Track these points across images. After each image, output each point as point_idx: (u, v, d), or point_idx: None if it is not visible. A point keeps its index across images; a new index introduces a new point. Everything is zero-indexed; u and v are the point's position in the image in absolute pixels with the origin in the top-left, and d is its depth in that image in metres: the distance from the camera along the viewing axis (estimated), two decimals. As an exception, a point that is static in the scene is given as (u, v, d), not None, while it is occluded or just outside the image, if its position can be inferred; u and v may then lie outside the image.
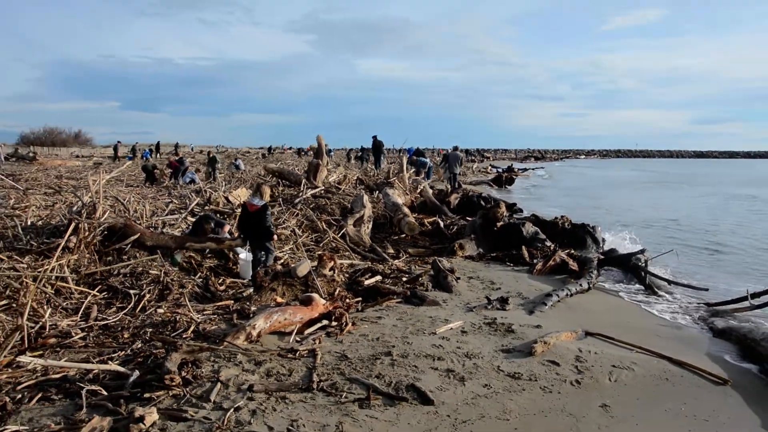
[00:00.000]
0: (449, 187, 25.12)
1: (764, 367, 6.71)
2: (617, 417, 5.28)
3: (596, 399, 5.59)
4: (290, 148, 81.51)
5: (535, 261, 11.47)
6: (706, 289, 10.28)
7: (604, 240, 13.59)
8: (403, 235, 13.77)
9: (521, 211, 20.05)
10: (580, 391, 5.72)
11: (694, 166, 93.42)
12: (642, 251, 11.55)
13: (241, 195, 15.28)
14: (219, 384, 5.27)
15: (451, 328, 7.16)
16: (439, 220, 15.22)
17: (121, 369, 5.52)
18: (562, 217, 14.63)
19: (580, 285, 9.86)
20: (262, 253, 9.30)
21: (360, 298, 8.49)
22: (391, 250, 12.20)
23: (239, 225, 9.61)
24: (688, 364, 6.47)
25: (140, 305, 7.55)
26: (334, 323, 7.10)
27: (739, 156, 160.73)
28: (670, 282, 10.69)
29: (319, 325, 7.03)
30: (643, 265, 10.94)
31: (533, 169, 64.17)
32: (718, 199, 32.01)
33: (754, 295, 9.08)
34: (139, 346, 6.25)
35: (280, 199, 14.90)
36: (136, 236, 8.98)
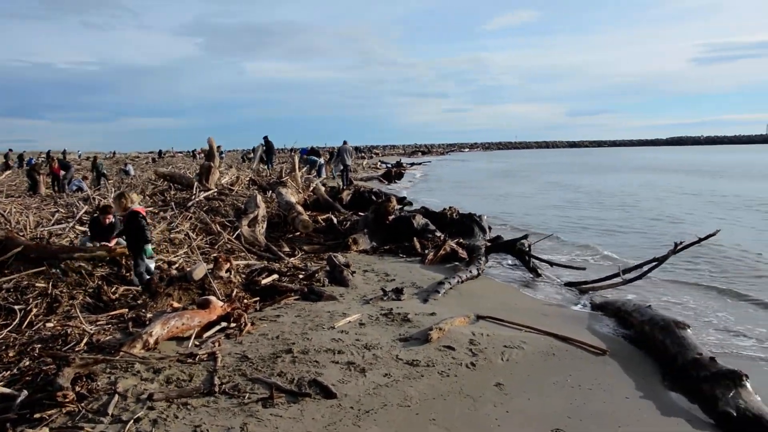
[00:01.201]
0: (341, 182, 25.35)
1: (636, 335, 7.29)
2: (511, 394, 5.59)
3: (491, 379, 5.90)
4: (180, 152, 79.00)
5: (426, 251, 11.82)
6: (584, 269, 11.01)
7: (490, 228, 14.20)
8: (298, 233, 13.79)
9: (411, 204, 20.57)
10: (475, 373, 6.01)
11: (560, 155, 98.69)
12: (525, 236, 12.16)
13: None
14: (116, 396, 5.14)
15: (350, 322, 7.30)
16: (333, 217, 15.36)
17: (6, 390, 5.24)
18: (450, 208, 15.15)
19: (470, 272, 10.28)
20: (140, 261, 8.88)
21: (258, 298, 8.47)
22: (286, 249, 12.20)
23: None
24: (572, 339, 6.94)
25: (26, 320, 7.19)
26: (233, 324, 7.06)
27: (606, 145, 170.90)
28: (551, 264, 11.34)
29: (218, 327, 6.98)
30: (527, 249, 11.52)
31: (420, 163, 65.50)
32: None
33: (625, 271, 9.83)
34: (27, 364, 5.95)
35: (173, 204, 14.52)
36: (18, 249, 8.53)
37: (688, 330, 6.66)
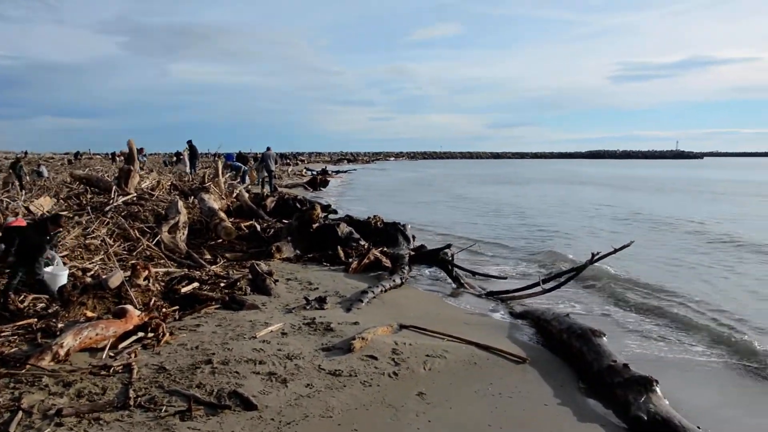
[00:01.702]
0: (266, 189, 25.09)
1: (554, 343, 7.48)
2: (433, 403, 5.62)
3: (413, 388, 5.91)
4: (99, 154, 76.12)
5: (350, 260, 11.80)
6: (505, 278, 11.25)
7: (414, 237, 14.31)
8: (221, 240, 13.51)
9: (336, 212, 20.50)
10: (398, 382, 6.02)
11: (477, 166, 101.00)
12: (448, 246, 12.32)
13: (44, 204, 14.10)
14: (20, 413, 4.86)
15: (272, 331, 7.19)
16: (256, 224, 15.12)
17: None
18: (374, 216, 15.19)
19: (394, 281, 10.31)
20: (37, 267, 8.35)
21: (177, 307, 8.23)
22: (208, 256, 11.93)
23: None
24: (493, 348, 7.05)
25: None
26: (150, 335, 6.83)
27: (528, 156, 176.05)
28: (474, 273, 11.52)
29: (134, 337, 6.73)
30: (450, 259, 11.67)
31: (346, 171, 65.57)
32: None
33: (545, 281, 10.10)
34: None
35: (89, 208, 13.95)
36: None
37: (604, 338, 6.88)
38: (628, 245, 9.99)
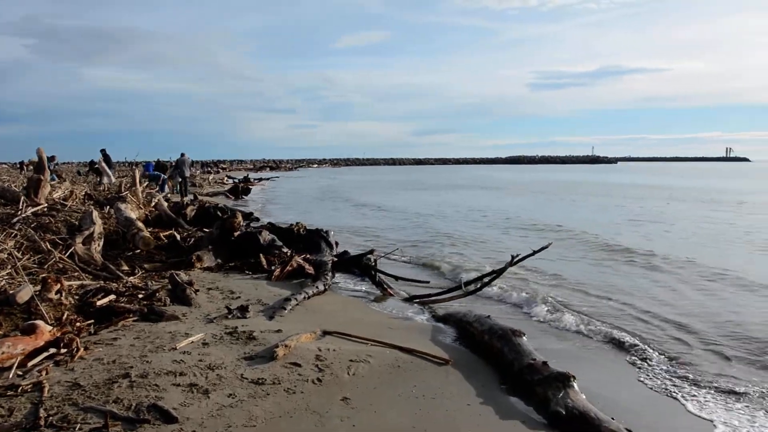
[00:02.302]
0: (188, 196, 24.58)
1: (477, 344, 7.62)
2: (357, 407, 5.62)
3: (337, 393, 5.90)
4: (5, 163, 72.54)
5: (273, 267, 11.68)
6: (428, 282, 11.40)
7: (337, 243, 14.30)
8: (139, 251, 13.11)
9: (258, 220, 20.28)
10: (322, 389, 5.99)
11: (397, 172, 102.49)
12: (371, 251, 12.37)
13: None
14: None
15: (192, 342, 7.03)
16: (176, 233, 14.75)
17: None
18: (297, 223, 15.11)
19: (317, 287, 10.28)
20: None
21: (93, 320, 7.91)
22: (125, 267, 11.54)
23: None
24: (416, 350, 7.12)
25: None
26: (63, 350, 6.54)
27: (450, 162, 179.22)
28: (397, 278, 11.62)
29: (45, 354, 6.43)
30: (373, 264, 11.72)
31: (269, 178, 65.05)
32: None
33: (466, 284, 10.29)
34: None
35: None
36: None
37: (524, 337, 7.05)
38: (546, 247, 10.29)
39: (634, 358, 7.77)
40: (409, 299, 10.50)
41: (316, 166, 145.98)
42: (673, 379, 7.06)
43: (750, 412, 6.14)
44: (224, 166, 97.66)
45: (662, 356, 7.80)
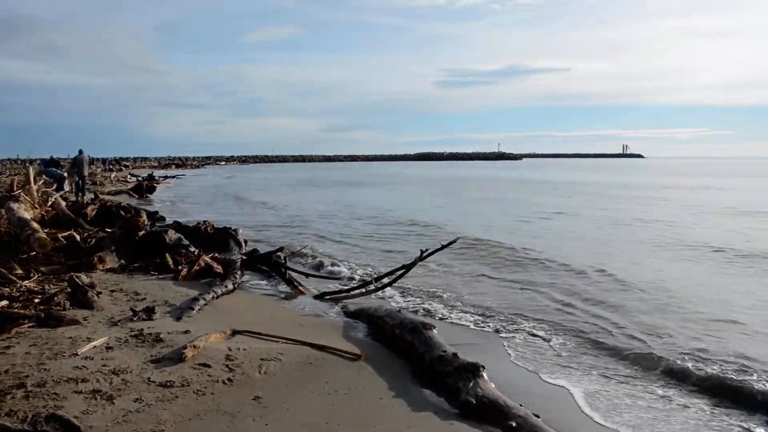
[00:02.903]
0: (87, 195, 23.59)
1: (388, 339, 7.67)
2: (269, 406, 5.56)
3: (249, 393, 5.81)
4: None
5: (180, 267, 11.37)
6: (339, 278, 11.43)
7: (246, 241, 14.08)
8: (35, 253, 12.45)
9: (164, 219, 19.68)
10: (232, 389, 5.88)
11: (305, 170, 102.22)
12: (281, 249, 12.26)
13: None
14: None
15: (95, 346, 6.73)
16: (75, 234, 14.10)
17: None
18: (204, 222, 14.79)
19: (226, 287, 10.08)
20: None
21: (-19, 329, 7.46)
22: (20, 271, 10.91)
23: None
24: (327, 347, 7.11)
25: None
26: (-51, 361, 6.14)
27: (359, 159, 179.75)
28: (307, 275, 11.57)
29: (-72, 366, 6.02)
30: (283, 261, 11.61)
31: (175, 176, 63.39)
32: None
33: (377, 279, 10.36)
34: None
35: None
36: None
37: (434, 330, 7.16)
38: (454, 242, 10.52)
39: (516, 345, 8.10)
40: (321, 296, 10.47)
41: (224, 163, 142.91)
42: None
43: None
44: (127, 163, 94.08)
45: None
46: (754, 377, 6.80)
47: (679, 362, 7.26)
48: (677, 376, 6.94)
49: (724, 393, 6.46)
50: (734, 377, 6.80)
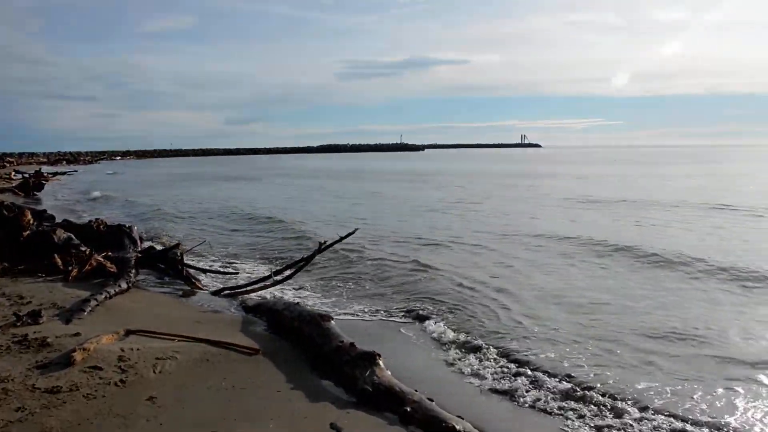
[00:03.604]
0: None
1: (287, 332, 7.68)
2: (164, 405, 5.46)
3: (143, 394, 5.67)
4: None
5: (70, 268, 10.88)
6: (237, 273, 11.32)
7: (142, 239, 13.65)
8: None
9: (53, 217, 18.72)
10: (125, 390, 5.73)
11: (205, 164, 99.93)
12: (177, 245, 11.97)
13: None
14: None
15: (-28, 356, 6.39)
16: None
17: None
18: (96, 220, 14.21)
19: (120, 286, 9.74)
20: None
21: None
22: None
23: None
24: (224, 342, 7.04)
25: None
26: None
27: (262, 152, 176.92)
28: (205, 271, 11.36)
29: None
30: (180, 258, 11.34)
31: (65, 173, 60.57)
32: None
33: (276, 273, 10.31)
34: None
35: None
36: None
37: (332, 321, 7.24)
38: (353, 232, 10.60)
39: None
40: (219, 292, 10.30)
41: (120, 158, 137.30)
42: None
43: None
44: (11, 159, 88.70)
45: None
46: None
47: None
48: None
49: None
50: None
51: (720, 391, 6.31)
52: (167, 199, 32.15)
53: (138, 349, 6.65)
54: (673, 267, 12.17)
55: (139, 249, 12.74)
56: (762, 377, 6.66)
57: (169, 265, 11.54)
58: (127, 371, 6.09)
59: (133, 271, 10.73)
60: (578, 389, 6.24)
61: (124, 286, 9.85)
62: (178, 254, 11.45)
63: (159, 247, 13.14)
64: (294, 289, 10.69)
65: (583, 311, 9.26)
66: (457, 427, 4.86)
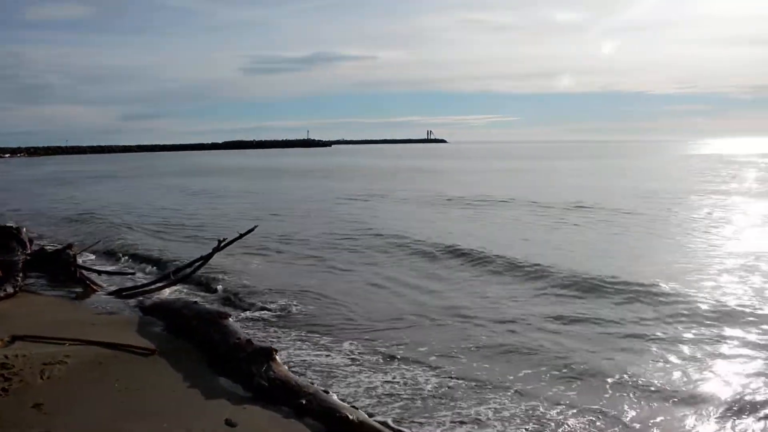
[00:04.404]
0: None
1: (186, 331, 7.58)
2: (52, 412, 5.30)
3: (28, 401, 5.48)
4: None
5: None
6: (133, 273, 11.05)
7: (32, 240, 13.05)
8: None
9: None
10: (10, 399, 5.53)
11: (100, 162, 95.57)
12: (70, 246, 11.53)
13: None
14: None
15: None
16: None
17: None
18: (-22, 223, 13.49)
19: (5, 290, 9.31)
20: None
21: None
22: None
23: None
24: (119, 344, 6.90)
25: None
26: None
27: (166, 149, 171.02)
28: (100, 272, 11.02)
29: None
30: (72, 259, 10.94)
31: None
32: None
33: (175, 272, 10.14)
34: None
35: None
36: None
37: (230, 319, 7.23)
38: (252, 230, 10.56)
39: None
40: (117, 293, 10.01)
41: (8, 155, 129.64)
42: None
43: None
44: None
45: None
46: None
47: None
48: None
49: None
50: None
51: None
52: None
53: (24, 356, 6.41)
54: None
55: (29, 251, 12.18)
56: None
57: (61, 267, 11.09)
58: (11, 379, 5.87)
59: (21, 274, 10.25)
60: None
61: (10, 290, 9.43)
62: (71, 255, 11.04)
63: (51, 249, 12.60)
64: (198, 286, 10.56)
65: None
66: (351, 417, 4.98)
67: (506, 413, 5.60)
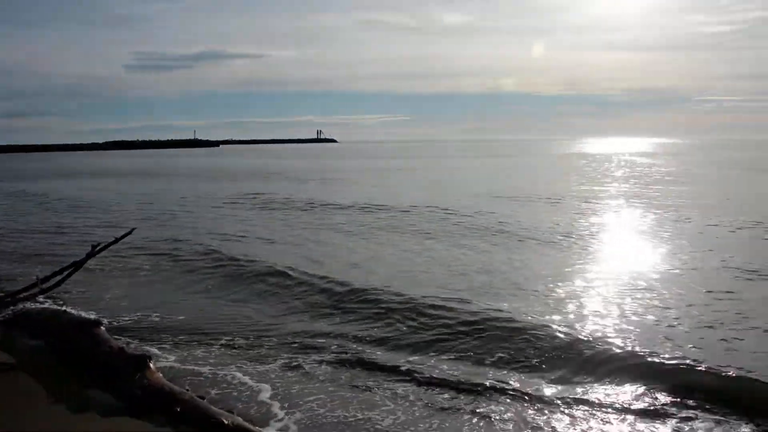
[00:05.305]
0: None
1: (55, 340, 7.12)
2: None
3: None
4: None
5: None
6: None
7: None
8: None
9: None
10: None
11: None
12: None
13: None
14: None
15: None
16: None
17: None
18: None
19: None
20: None
21: None
22: None
23: None
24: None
25: None
26: None
27: (39, 149, 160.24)
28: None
29: None
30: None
31: None
32: None
33: (44, 280, 9.52)
34: None
35: None
36: None
37: (102, 327, 6.85)
38: (130, 232, 10.12)
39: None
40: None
41: None
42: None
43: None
44: None
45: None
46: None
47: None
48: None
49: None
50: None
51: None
52: None
53: None
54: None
55: None
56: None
57: None
58: None
59: None
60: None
61: None
62: None
63: None
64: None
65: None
66: (226, 422, 4.87)
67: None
